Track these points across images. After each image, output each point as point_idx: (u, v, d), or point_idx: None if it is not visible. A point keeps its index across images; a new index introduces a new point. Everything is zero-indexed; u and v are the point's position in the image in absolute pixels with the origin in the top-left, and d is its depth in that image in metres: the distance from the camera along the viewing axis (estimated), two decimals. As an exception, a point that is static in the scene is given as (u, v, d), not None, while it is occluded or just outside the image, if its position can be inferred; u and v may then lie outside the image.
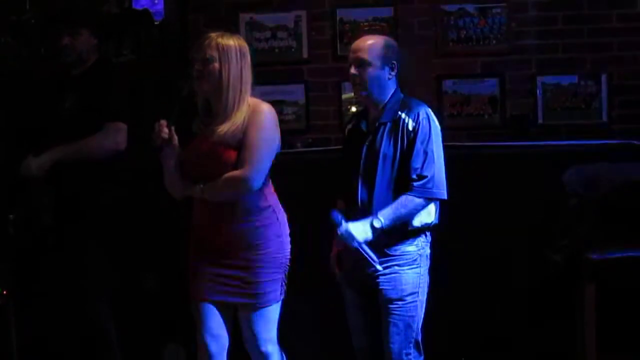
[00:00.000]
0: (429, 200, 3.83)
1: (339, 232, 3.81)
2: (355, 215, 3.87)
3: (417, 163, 3.78)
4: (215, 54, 3.77)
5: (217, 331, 3.95)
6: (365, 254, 3.80)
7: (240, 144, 3.77)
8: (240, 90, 3.80)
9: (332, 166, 4.15)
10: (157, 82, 5.59)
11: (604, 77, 5.83)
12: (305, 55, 6.01)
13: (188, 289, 4.00)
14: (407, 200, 3.78)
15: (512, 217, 5.03)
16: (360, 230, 3.77)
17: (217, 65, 3.77)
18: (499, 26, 5.89)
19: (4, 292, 4.66)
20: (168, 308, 5.29)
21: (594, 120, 5.84)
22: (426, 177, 3.78)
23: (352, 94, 5.50)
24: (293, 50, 5.96)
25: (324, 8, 6.00)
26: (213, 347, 3.95)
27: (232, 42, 3.81)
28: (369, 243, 3.80)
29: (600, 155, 5.14)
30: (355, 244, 3.78)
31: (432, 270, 3.97)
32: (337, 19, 5.98)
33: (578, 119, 5.84)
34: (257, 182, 3.78)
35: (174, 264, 5.29)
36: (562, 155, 5.14)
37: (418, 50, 5.82)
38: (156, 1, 6.08)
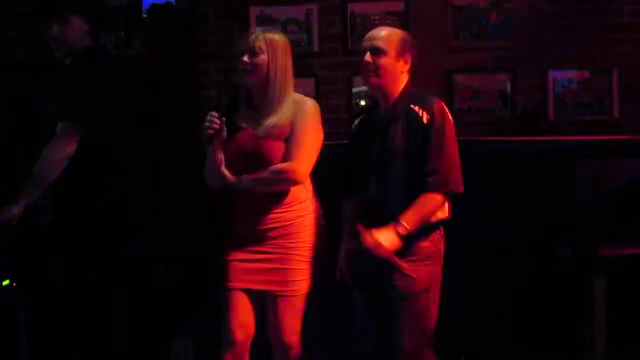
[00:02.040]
0: (447, 195, 3.81)
1: (367, 245, 3.76)
2: (372, 212, 3.86)
3: (432, 158, 3.73)
4: (263, 47, 3.89)
5: (245, 320, 4.03)
6: (394, 263, 3.77)
7: (287, 137, 3.90)
8: (286, 84, 3.94)
9: (341, 160, 4.14)
10: (165, 75, 5.61)
11: (615, 73, 5.80)
12: (315, 48, 6.00)
13: (208, 279, 4.06)
14: (427, 199, 3.73)
15: (522, 212, 5.02)
16: (389, 240, 3.72)
17: (264, 57, 3.89)
18: (510, 21, 5.87)
19: (14, 285, 4.66)
20: (177, 302, 5.30)
21: (605, 116, 5.81)
22: (443, 172, 3.74)
23: (363, 88, 5.55)
24: (303, 43, 5.94)
25: (335, 1, 5.98)
26: (240, 335, 4.01)
27: (278, 37, 3.96)
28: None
29: (610, 151, 5.13)
30: (386, 256, 3.75)
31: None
32: (348, 12, 5.96)
33: (589, 114, 5.81)
34: (305, 175, 3.94)
35: (183, 257, 5.31)
36: (573, 151, 5.13)
37: (429, 44, 5.80)
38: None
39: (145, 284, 5.13)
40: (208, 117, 3.84)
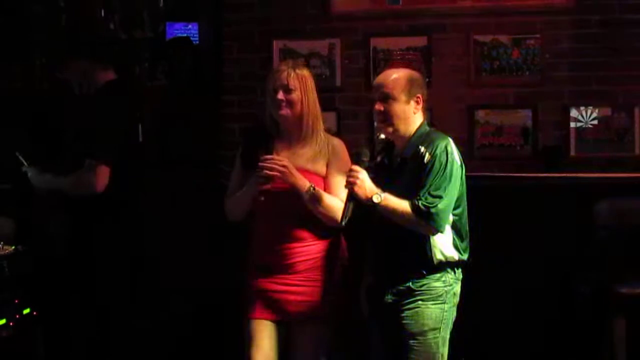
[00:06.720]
0: (424, 226, 3.75)
1: (352, 166, 3.76)
2: (383, 254, 3.88)
3: (426, 191, 3.67)
4: (296, 84, 3.96)
5: (270, 351, 4.02)
6: (346, 204, 3.75)
7: (321, 172, 3.97)
8: (317, 117, 4.02)
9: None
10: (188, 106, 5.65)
11: (637, 110, 5.81)
12: (338, 83, 6.03)
13: (230, 309, 4.07)
14: (409, 213, 3.68)
15: (541, 249, 5.01)
16: (365, 185, 3.70)
17: (298, 94, 3.95)
18: (532, 57, 5.88)
19: (34, 313, 4.68)
20: (200, 332, 5.30)
21: (626, 152, 5.80)
22: (434, 207, 3.66)
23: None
24: (325, 77, 5.97)
25: (358, 36, 6.02)
26: None
27: (307, 73, 4.03)
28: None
29: (631, 189, 5.12)
30: (349, 188, 3.71)
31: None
32: (371, 47, 6.00)
33: (610, 151, 5.81)
34: None
35: (206, 287, 5.32)
36: (594, 188, 5.12)
37: (451, 80, 5.83)
38: (190, 26, 6.13)
39: (164, 315, 5.14)
40: (266, 160, 3.86)
